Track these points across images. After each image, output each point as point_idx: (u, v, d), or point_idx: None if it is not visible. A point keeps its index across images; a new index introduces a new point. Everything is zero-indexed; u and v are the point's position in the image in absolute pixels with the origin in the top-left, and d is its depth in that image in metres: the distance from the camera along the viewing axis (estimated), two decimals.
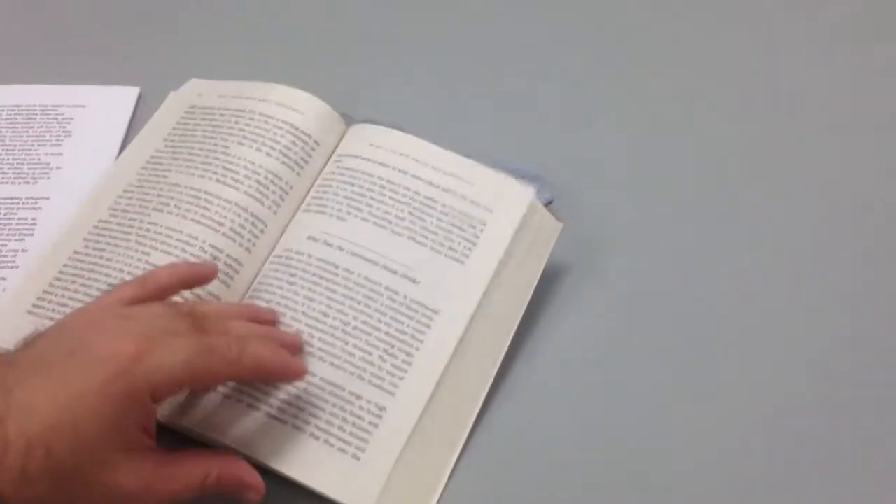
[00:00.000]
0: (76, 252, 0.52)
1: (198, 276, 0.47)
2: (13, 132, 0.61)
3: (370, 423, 0.45)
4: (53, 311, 0.49)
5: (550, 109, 0.66)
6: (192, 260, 0.50)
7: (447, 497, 0.45)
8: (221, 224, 0.52)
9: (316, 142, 0.56)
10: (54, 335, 0.40)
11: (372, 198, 0.52)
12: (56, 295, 0.50)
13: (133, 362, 0.37)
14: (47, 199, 0.57)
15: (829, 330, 0.53)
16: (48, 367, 0.37)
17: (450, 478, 0.46)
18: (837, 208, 0.59)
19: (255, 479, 0.41)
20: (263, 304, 0.49)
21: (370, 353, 0.47)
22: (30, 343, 0.39)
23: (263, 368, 0.43)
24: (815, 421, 0.49)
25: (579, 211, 0.58)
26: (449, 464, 0.46)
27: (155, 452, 0.39)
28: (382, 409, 0.46)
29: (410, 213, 0.52)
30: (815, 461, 0.47)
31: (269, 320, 0.47)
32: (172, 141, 0.57)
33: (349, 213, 0.52)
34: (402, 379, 0.47)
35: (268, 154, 0.55)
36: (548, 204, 0.55)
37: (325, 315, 0.48)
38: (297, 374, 0.44)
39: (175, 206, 0.52)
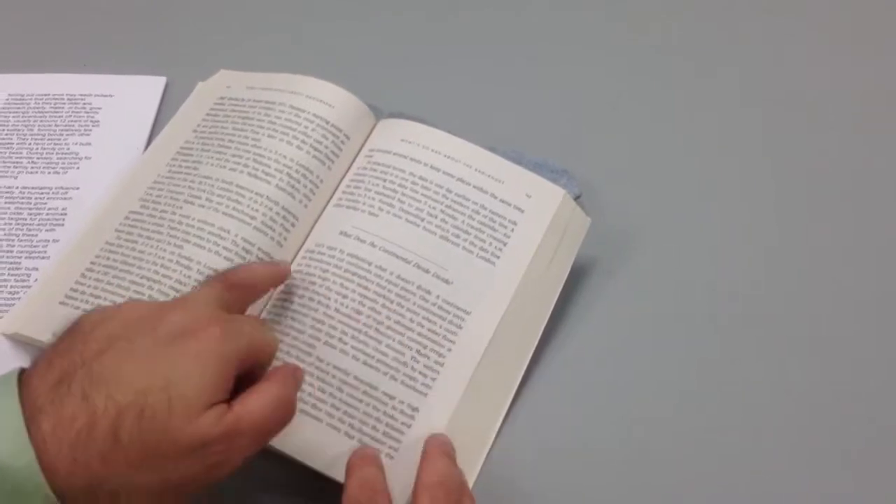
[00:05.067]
0: (108, 243, 0.52)
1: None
2: (42, 121, 0.61)
3: (403, 423, 0.46)
4: (86, 301, 0.49)
5: (577, 104, 0.65)
6: (227, 254, 0.50)
7: (478, 494, 0.45)
8: (253, 217, 0.52)
9: (346, 135, 0.56)
10: (111, 316, 0.39)
11: (404, 194, 0.52)
12: (89, 286, 0.50)
13: (220, 329, 0.38)
14: (77, 188, 0.58)
15: (857, 325, 0.53)
16: (127, 341, 0.37)
17: (480, 474, 0.47)
18: (867, 205, 0.59)
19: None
20: (297, 299, 0.49)
21: (403, 354, 0.47)
22: (79, 327, 0.39)
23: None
24: (847, 417, 0.50)
25: (606, 205, 0.58)
26: (479, 461, 0.47)
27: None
28: (415, 409, 0.46)
29: (442, 212, 0.52)
30: (849, 457, 0.48)
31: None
32: (202, 132, 0.57)
33: (381, 209, 0.52)
34: (434, 380, 0.47)
35: (298, 147, 0.55)
36: (576, 198, 0.56)
37: (359, 313, 0.48)
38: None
39: (207, 198, 0.53)
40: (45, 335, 0.48)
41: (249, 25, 0.71)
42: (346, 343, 0.47)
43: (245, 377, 0.40)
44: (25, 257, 0.54)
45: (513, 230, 0.52)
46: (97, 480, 0.34)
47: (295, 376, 0.41)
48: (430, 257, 0.50)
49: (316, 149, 0.55)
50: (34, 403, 0.35)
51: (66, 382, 0.35)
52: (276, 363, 0.47)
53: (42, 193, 0.57)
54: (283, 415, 0.40)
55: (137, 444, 0.35)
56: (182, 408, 0.36)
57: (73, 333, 0.38)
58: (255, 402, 0.38)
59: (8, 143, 0.60)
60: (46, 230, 0.55)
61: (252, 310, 0.50)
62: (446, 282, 0.50)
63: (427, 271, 0.50)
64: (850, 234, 0.58)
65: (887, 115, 0.65)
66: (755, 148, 0.63)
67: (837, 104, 0.65)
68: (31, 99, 0.63)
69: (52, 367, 0.36)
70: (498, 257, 0.51)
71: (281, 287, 0.51)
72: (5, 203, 0.57)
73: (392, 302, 0.49)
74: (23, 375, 0.36)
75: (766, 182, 0.61)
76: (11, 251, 0.54)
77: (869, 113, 0.65)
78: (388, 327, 0.48)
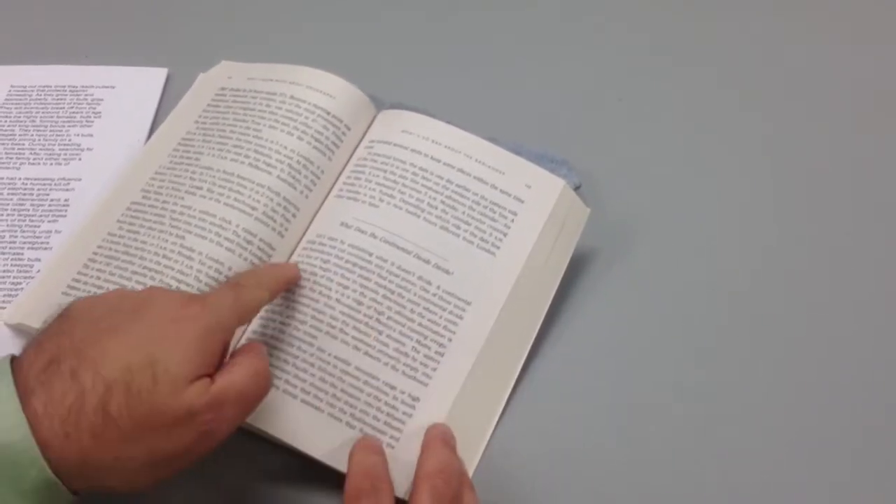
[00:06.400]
0: (110, 234, 0.52)
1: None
2: (44, 112, 0.62)
3: (404, 413, 0.46)
4: (89, 292, 0.49)
5: (578, 95, 0.66)
6: (228, 244, 0.50)
7: (477, 482, 0.45)
8: (254, 208, 0.52)
9: (347, 126, 0.56)
10: (99, 301, 0.41)
11: (405, 185, 0.52)
12: (91, 276, 0.50)
13: (200, 306, 0.41)
14: (79, 180, 0.58)
15: (857, 319, 0.54)
16: (113, 324, 0.39)
17: (480, 463, 0.47)
18: (866, 198, 0.60)
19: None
20: (297, 290, 0.49)
21: (404, 344, 0.48)
22: (68, 313, 0.40)
23: (278, 281, 0.47)
24: (845, 408, 0.50)
25: (606, 196, 0.58)
26: (479, 450, 0.47)
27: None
28: (416, 399, 0.47)
29: (443, 202, 0.52)
30: (847, 452, 0.48)
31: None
32: (204, 123, 0.57)
33: (382, 200, 0.52)
34: (434, 370, 0.47)
35: (299, 138, 0.55)
36: (575, 189, 0.56)
37: (359, 303, 0.48)
38: (294, 269, 0.50)
39: (208, 189, 0.53)
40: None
41: (250, 17, 0.71)
42: (346, 333, 0.48)
43: None
44: (28, 248, 0.54)
45: (513, 221, 0.52)
46: (89, 454, 0.36)
47: (263, 350, 0.43)
48: (431, 248, 0.50)
49: (317, 139, 0.55)
50: (26, 385, 0.36)
51: (55, 363, 0.37)
52: (276, 353, 0.47)
53: (44, 184, 0.58)
54: (264, 384, 0.41)
55: (126, 418, 0.36)
56: (167, 382, 0.37)
57: (62, 319, 0.40)
58: (237, 372, 0.40)
59: (10, 135, 0.60)
60: (49, 221, 0.56)
61: None
62: (447, 272, 0.50)
63: (427, 262, 0.50)
64: (850, 227, 0.58)
65: (889, 113, 0.65)
66: (755, 140, 0.63)
67: (838, 101, 0.65)
68: (33, 90, 0.63)
69: (41, 350, 0.38)
70: (498, 248, 0.51)
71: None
72: (8, 194, 0.57)
73: (393, 293, 0.49)
74: (14, 361, 0.38)
75: (766, 174, 0.61)
76: (14, 242, 0.55)
77: (871, 110, 0.65)
78: (389, 318, 0.48)
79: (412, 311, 0.49)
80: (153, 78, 0.64)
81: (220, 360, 0.41)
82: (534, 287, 0.51)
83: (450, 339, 0.48)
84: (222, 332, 0.41)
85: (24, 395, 0.36)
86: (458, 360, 0.48)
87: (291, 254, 0.52)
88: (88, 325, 0.39)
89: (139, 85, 0.64)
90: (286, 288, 0.49)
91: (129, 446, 0.36)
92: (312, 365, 0.47)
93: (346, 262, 0.50)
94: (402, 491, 0.44)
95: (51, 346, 0.38)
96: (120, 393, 0.36)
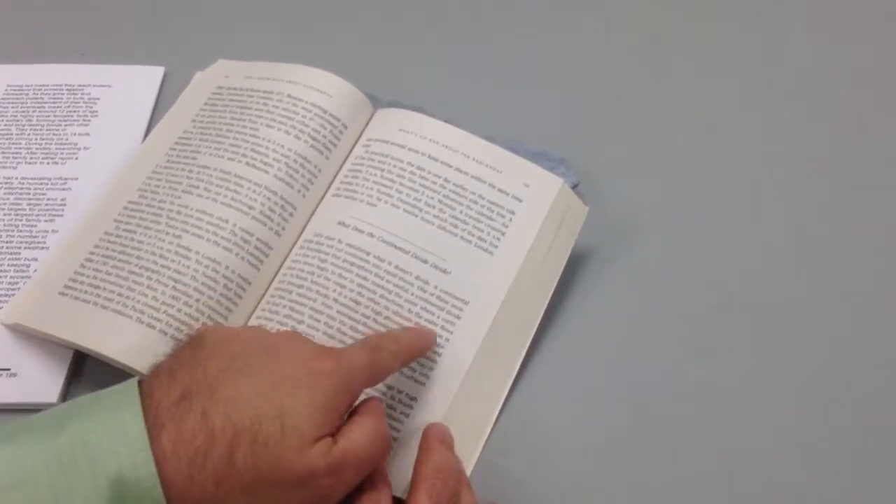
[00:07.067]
0: (107, 233, 0.52)
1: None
2: (40, 112, 0.61)
3: (402, 412, 0.46)
4: (85, 291, 0.49)
5: (576, 93, 0.65)
6: (226, 244, 0.50)
7: (475, 482, 0.45)
8: (252, 207, 0.52)
9: (344, 125, 0.56)
10: (234, 336, 0.40)
11: (402, 184, 0.52)
12: (88, 276, 0.50)
13: (333, 363, 0.39)
14: (76, 179, 0.58)
15: (857, 318, 0.53)
16: (247, 365, 0.38)
17: (478, 462, 0.47)
18: (868, 199, 0.59)
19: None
20: (295, 289, 0.49)
21: None
22: (201, 341, 0.39)
23: (413, 351, 0.46)
24: (844, 405, 0.50)
25: (604, 194, 0.58)
26: (477, 449, 0.47)
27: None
28: (413, 399, 0.47)
29: (440, 202, 0.52)
30: (846, 446, 0.48)
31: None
32: (201, 122, 0.57)
33: (379, 199, 0.52)
34: (432, 369, 0.47)
35: (296, 137, 0.55)
36: (573, 187, 0.56)
37: (357, 303, 0.48)
38: (432, 338, 0.48)
39: (205, 188, 0.53)
40: (44, 325, 0.49)
41: (247, 15, 0.71)
42: (344, 333, 0.48)
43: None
44: (25, 248, 0.54)
45: (511, 219, 0.52)
46: (209, 501, 0.35)
47: (383, 409, 0.42)
48: (429, 247, 0.50)
49: (314, 138, 0.55)
50: (156, 418, 0.35)
51: (187, 398, 0.36)
52: None
53: (41, 184, 0.57)
54: (384, 446, 0.40)
55: (251, 469, 0.35)
56: (294, 438, 0.36)
57: (195, 347, 0.39)
58: (358, 433, 0.39)
59: (7, 134, 0.60)
60: (45, 221, 0.56)
61: (248, 302, 0.50)
62: (444, 272, 0.50)
63: (425, 261, 0.50)
64: (851, 226, 0.58)
65: (889, 113, 0.65)
66: (754, 137, 0.63)
67: (839, 100, 0.65)
68: (29, 89, 0.63)
69: (174, 380, 0.37)
70: (496, 247, 0.51)
71: (278, 278, 0.51)
72: (5, 194, 0.57)
73: (390, 292, 0.49)
74: (144, 386, 0.37)
75: (765, 171, 0.61)
76: (11, 242, 0.54)
77: (871, 110, 0.65)
78: (387, 317, 0.48)
79: (410, 310, 0.48)
80: (150, 77, 0.64)
81: (342, 420, 0.40)
82: (532, 286, 0.51)
83: (447, 339, 0.48)
84: (351, 392, 0.40)
85: (153, 429, 0.35)
86: (456, 360, 0.48)
87: (289, 253, 0.52)
88: (222, 361, 0.38)
89: (136, 84, 0.64)
90: (419, 357, 0.47)
91: (248, 499, 0.36)
92: None
93: (344, 261, 0.50)
94: (400, 490, 0.44)
95: (184, 377, 0.37)
96: (247, 442, 0.35)
